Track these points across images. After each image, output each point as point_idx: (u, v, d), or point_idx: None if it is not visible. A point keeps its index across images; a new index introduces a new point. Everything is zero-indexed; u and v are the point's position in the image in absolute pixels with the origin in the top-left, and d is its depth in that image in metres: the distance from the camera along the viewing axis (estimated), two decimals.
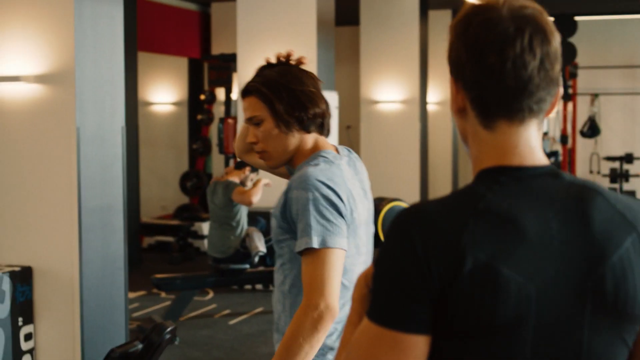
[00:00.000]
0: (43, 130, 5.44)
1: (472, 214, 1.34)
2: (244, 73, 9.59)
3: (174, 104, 13.35)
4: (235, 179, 7.72)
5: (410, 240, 1.33)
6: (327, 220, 2.35)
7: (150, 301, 8.52)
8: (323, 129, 2.59)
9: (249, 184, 7.79)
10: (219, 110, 12.85)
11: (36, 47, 5.40)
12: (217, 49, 12.91)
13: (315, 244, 2.32)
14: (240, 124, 9.67)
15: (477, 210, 1.35)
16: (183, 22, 12.87)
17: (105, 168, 5.66)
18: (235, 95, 11.83)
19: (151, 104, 13.15)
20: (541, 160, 1.43)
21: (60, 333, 5.52)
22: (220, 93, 12.55)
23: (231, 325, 7.66)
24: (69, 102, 5.35)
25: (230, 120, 10.38)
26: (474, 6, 1.43)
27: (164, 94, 13.27)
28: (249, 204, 7.45)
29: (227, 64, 11.58)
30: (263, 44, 9.45)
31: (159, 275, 6.95)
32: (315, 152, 2.55)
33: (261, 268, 8.07)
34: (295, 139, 2.54)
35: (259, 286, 8.99)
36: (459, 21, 1.43)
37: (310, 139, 2.57)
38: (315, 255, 2.33)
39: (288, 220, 2.43)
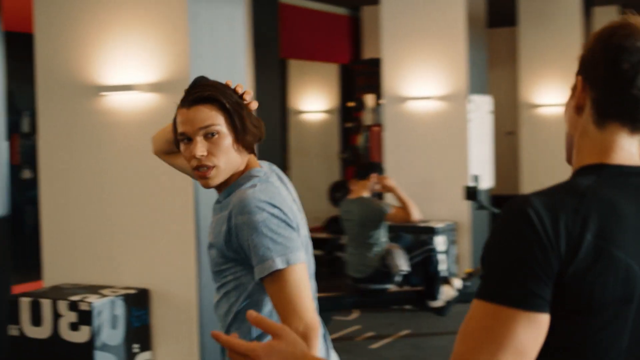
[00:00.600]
0: None
1: (582, 201, 1.44)
2: (390, 78, 9.13)
3: (326, 111, 12.95)
4: (366, 193, 7.18)
5: (532, 225, 1.41)
6: (283, 236, 2.29)
7: None
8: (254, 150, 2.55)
9: (377, 187, 7.26)
10: (369, 118, 12.37)
11: (149, 54, 5.03)
12: (368, 53, 12.50)
13: (280, 264, 2.26)
14: (388, 132, 9.16)
15: (586, 198, 1.45)
16: (332, 27, 12.48)
17: None
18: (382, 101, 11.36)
19: (302, 112, 12.79)
20: (638, 162, 1.55)
21: None
22: (370, 100, 12.09)
23: (371, 349, 7.07)
24: None
25: (376, 128, 9.90)
26: (623, 20, 1.55)
27: (315, 101, 12.89)
28: (417, 222, 7.30)
29: (376, 69, 11.13)
30: (409, 47, 8.98)
31: None
32: (246, 171, 2.48)
33: (406, 288, 7.47)
34: (244, 157, 2.48)
35: (407, 306, 8.39)
36: (606, 28, 1.55)
37: (246, 158, 2.51)
38: (281, 277, 2.27)
39: (234, 248, 2.34)
